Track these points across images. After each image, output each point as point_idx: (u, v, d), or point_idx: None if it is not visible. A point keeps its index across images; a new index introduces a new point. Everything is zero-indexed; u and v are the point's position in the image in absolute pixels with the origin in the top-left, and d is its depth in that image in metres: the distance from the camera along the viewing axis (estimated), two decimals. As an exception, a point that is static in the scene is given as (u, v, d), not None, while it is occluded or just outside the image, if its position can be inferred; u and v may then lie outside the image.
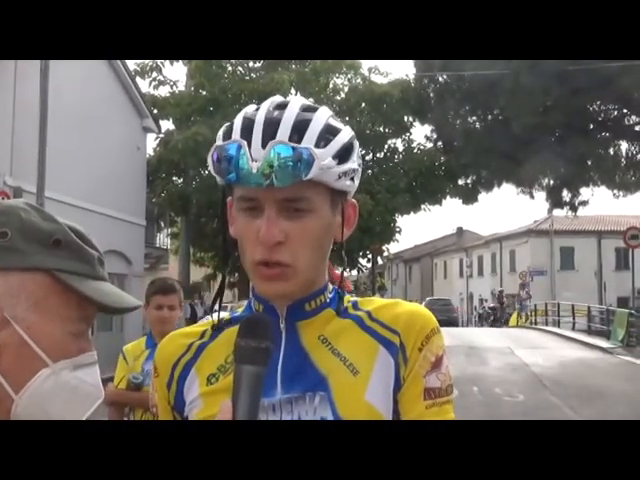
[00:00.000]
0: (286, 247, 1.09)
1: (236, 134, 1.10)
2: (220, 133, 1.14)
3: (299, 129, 1.09)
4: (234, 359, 1.01)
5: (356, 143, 1.16)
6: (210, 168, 1.12)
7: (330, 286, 1.22)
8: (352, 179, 1.14)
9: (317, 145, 1.08)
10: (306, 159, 1.05)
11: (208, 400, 1.14)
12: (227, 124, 1.15)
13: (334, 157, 1.09)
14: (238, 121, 1.12)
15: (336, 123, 1.14)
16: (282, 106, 1.13)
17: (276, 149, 1.05)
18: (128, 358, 3.67)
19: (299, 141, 1.07)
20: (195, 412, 1.16)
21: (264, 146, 1.06)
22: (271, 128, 1.08)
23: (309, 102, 1.17)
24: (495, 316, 32.04)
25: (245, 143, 1.07)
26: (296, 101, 1.15)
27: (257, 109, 1.13)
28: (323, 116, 1.13)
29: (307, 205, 1.09)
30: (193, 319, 16.36)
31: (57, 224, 1.00)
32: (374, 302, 1.22)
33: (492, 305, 39.14)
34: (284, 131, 1.08)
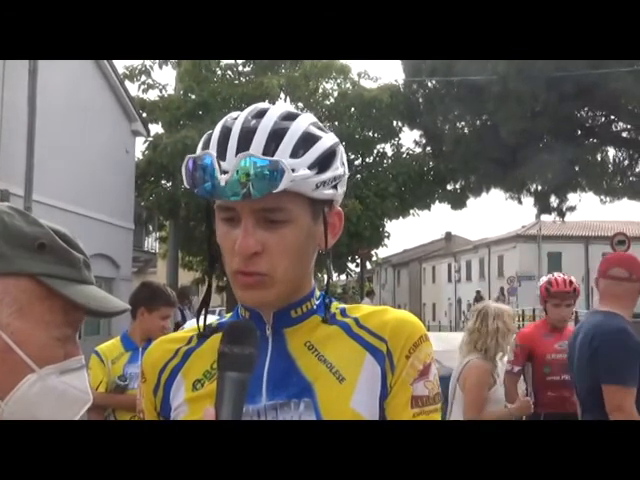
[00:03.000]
0: (263, 257, 1.08)
1: (213, 145, 1.09)
2: (200, 143, 1.13)
3: (274, 139, 1.07)
4: (217, 366, 1.00)
5: (340, 150, 1.14)
6: (184, 180, 1.09)
7: (317, 292, 1.21)
8: (335, 187, 1.13)
9: (293, 155, 1.07)
10: (275, 175, 1.03)
11: (193, 406, 1.14)
12: (208, 133, 1.13)
13: (311, 167, 1.08)
14: (217, 131, 1.11)
15: (316, 131, 1.12)
16: (261, 114, 1.11)
17: (244, 168, 1.03)
18: (105, 360, 3.60)
19: (274, 151, 1.06)
20: (180, 417, 1.15)
21: (235, 157, 1.05)
22: (246, 139, 1.07)
23: (292, 109, 1.15)
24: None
25: (215, 157, 1.06)
26: (276, 109, 1.13)
27: (237, 117, 1.12)
28: (302, 124, 1.11)
29: (285, 216, 1.08)
30: (183, 323, 16.25)
31: (42, 228, 0.99)
32: (362, 309, 1.21)
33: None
34: (259, 141, 1.07)
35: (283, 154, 1.06)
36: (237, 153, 1.05)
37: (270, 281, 1.09)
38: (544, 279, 4.53)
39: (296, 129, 1.09)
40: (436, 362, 1.17)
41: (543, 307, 4.47)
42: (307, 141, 1.09)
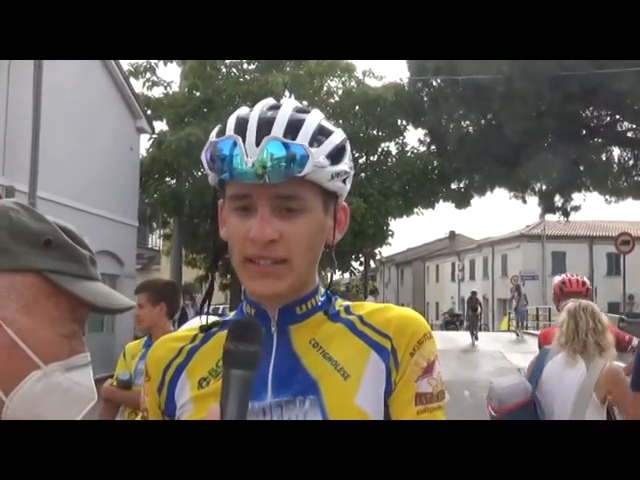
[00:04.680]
0: (280, 244, 1.08)
1: (230, 132, 1.10)
2: (213, 134, 1.13)
3: (293, 128, 1.09)
4: (223, 363, 1.00)
5: (348, 146, 1.16)
6: (204, 165, 1.11)
7: (322, 290, 1.21)
8: (344, 181, 1.14)
9: (311, 144, 1.08)
10: (299, 159, 1.05)
11: (199, 404, 1.14)
12: (219, 125, 1.14)
13: (327, 157, 1.09)
14: (231, 121, 1.12)
15: (328, 125, 1.15)
16: (275, 107, 1.13)
17: (269, 149, 1.05)
18: (127, 356, 3.77)
19: (294, 139, 1.07)
20: (186, 416, 1.15)
21: (258, 143, 1.06)
22: (265, 126, 1.08)
23: (301, 105, 1.17)
24: (461, 323, 30.43)
25: (240, 139, 1.07)
26: (289, 103, 1.15)
27: (250, 110, 1.13)
28: (316, 118, 1.13)
29: (300, 204, 1.09)
30: (184, 320, 16.21)
31: (48, 224, 0.99)
32: (366, 306, 1.22)
33: (456, 312, 38.35)
34: (278, 129, 1.08)
35: (303, 141, 1.07)
36: (257, 139, 1.06)
37: (286, 269, 1.10)
38: (558, 278, 4.55)
39: (312, 121, 1.11)
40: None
41: (557, 306, 4.49)
42: (322, 133, 1.11)
